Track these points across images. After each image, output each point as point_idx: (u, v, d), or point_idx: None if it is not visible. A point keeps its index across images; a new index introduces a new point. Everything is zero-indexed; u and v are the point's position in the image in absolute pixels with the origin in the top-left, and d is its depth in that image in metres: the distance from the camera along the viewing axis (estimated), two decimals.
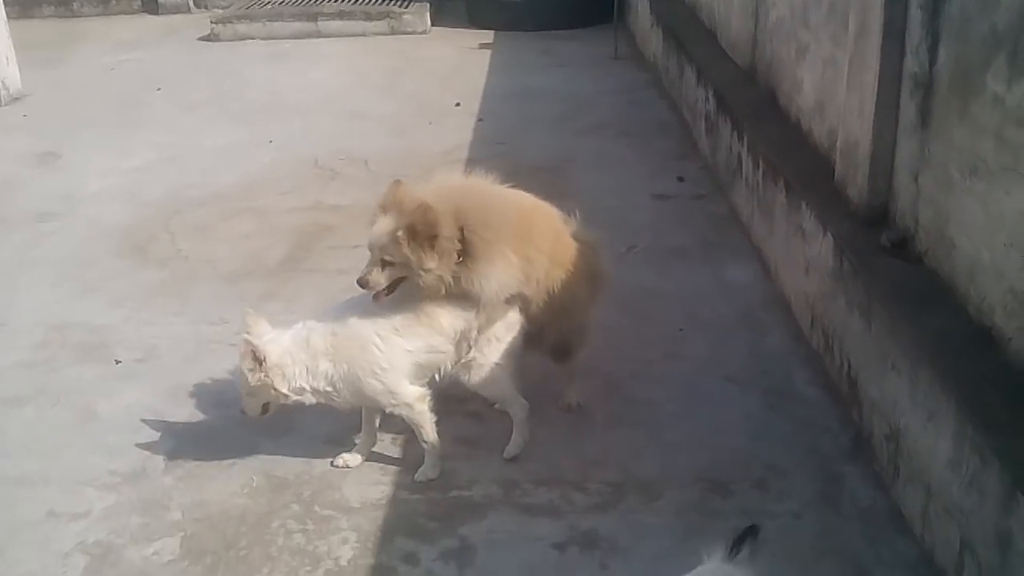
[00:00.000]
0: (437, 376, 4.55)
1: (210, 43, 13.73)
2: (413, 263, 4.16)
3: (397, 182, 4.37)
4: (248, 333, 4.28)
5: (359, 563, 4.06)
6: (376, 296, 4.30)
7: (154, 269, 6.79)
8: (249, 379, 4.27)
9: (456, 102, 10.31)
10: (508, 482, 4.51)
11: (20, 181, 8.57)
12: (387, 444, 4.81)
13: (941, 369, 3.83)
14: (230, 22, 13.86)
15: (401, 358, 4.34)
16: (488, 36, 13.23)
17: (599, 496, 4.40)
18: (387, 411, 4.52)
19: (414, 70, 11.91)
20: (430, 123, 9.73)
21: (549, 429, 4.84)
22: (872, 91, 4.84)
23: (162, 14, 15.77)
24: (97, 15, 15.94)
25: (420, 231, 4.12)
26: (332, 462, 4.64)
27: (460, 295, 4.35)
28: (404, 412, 4.46)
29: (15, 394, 5.34)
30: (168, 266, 6.83)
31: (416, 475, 4.55)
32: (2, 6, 10.95)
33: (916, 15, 4.52)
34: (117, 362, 5.62)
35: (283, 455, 4.74)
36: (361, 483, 4.54)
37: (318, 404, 4.44)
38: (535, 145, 8.96)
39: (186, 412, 5.11)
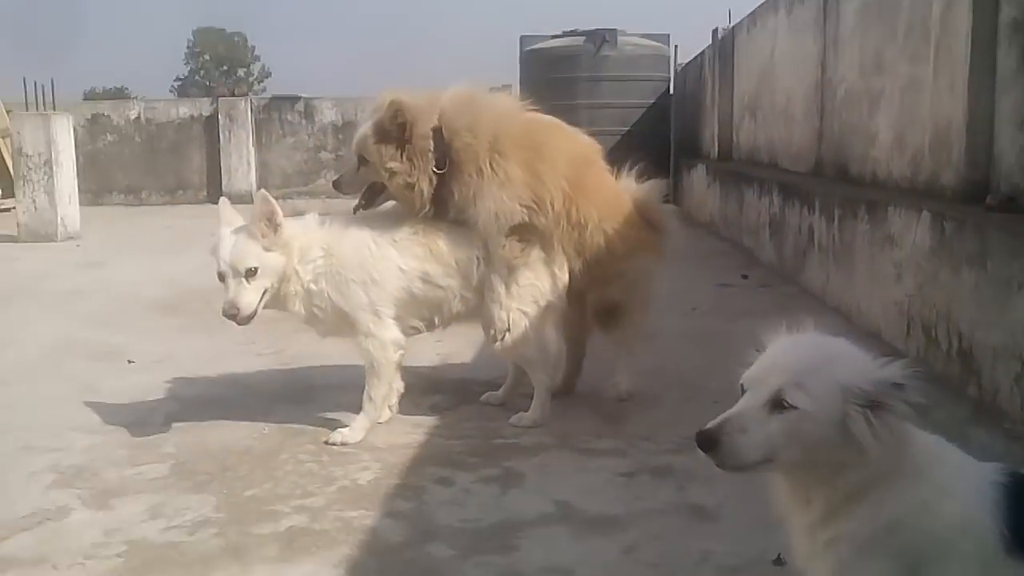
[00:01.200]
0: (438, 319, 3.92)
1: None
2: (377, 162, 3.70)
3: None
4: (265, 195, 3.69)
5: (381, 483, 3.35)
6: (355, 208, 3.92)
7: (183, 316, 6.37)
8: (260, 244, 3.56)
9: None
10: (563, 434, 3.81)
11: (64, 275, 8.36)
12: (422, 411, 4.14)
13: None
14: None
15: (392, 275, 3.74)
16: None
17: (671, 444, 3.68)
18: (358, 344, 3.81)
19: None
20: None
21: (610, 401, 4.17)
22: (964, 59, 4.53)
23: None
24: (164, 203, 16.42)
25: (387, 128, 3.69)
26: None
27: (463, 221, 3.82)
28: (371, 349, 3.75)
29: (4, 377, 4.82)
30: (200, 315, 6.37)
31: (331, 435, 3.75)
32: (73, 148, 11.29)
33: None
34: (129, 362, 5.10)
35: (302, 415, 4.09)
36: (390, 432, 3.86)
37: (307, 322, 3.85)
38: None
39: (198, 389, 4.52)
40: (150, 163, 16.69)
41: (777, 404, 1.77)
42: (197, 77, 68.41)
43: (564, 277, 3.95)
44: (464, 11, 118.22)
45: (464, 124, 3.75)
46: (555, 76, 13.77)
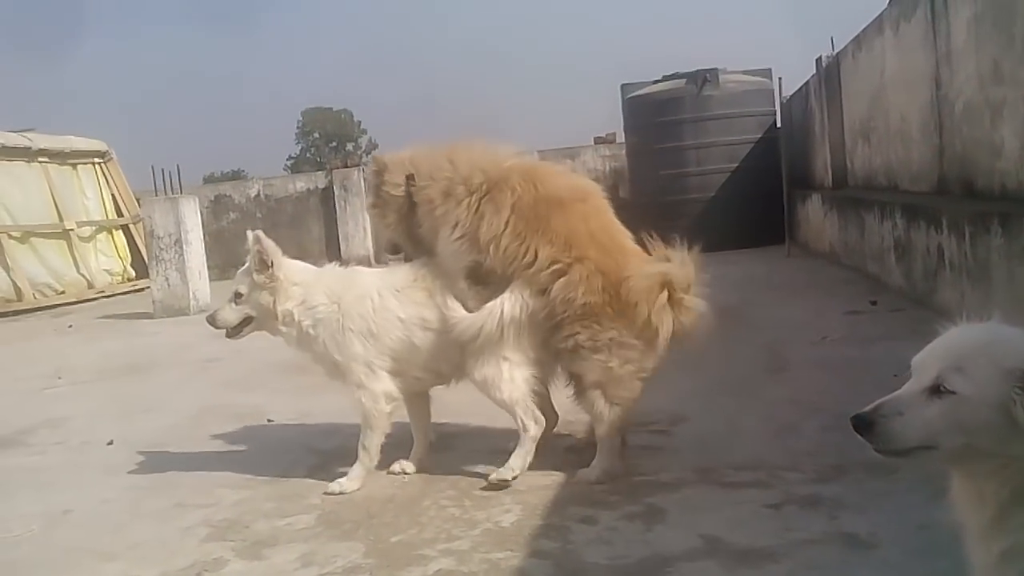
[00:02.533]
0: (446, 367, 3.94)
1: None
2: (368, 211, 4.06)
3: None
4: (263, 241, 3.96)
5: (524, 524, 3.35)
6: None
7: (315, 376, 6.39)
8: (254, 278, 3.92)
9: None
10: (702, 468, 3.75)
11: (200, 345, 8.66)
12: (559, 452, 4.14)
13: None
14: None
15: (391, 326, 3.85)
16: None
17: (816, 473, 3.58)
18: (352, 394, 3.96)
19: None
20: None
21: (745, 428, 4.10)
22: None
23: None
24: None
25: (372, 181, 4.13)
26: (389, 469, 4.05)
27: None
28: (363, 400, 3.88)
29: (157, 440, 5.02)
30: None
31: (330, 486, 3.88)
32: (200, 227, 11.83)
33: None
34: (269, 420, 5.26)
35: (440, 462, 4.14)
36: (527, 474, 3.85)
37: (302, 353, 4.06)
38: (709, 301, 8.52)
39: (335, 442, 4.63)
40: (271, 236, 17.07)
41: (936, 389, 1.74)
42: (308, 155, 70.86)
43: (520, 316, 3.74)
44: (564, 64, 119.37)
45: (426, 172, 3.93)
46: (660, 120, 13.81)
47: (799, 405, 4.50)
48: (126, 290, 15.75)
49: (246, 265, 3.99)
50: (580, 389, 3.78)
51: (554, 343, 3.76)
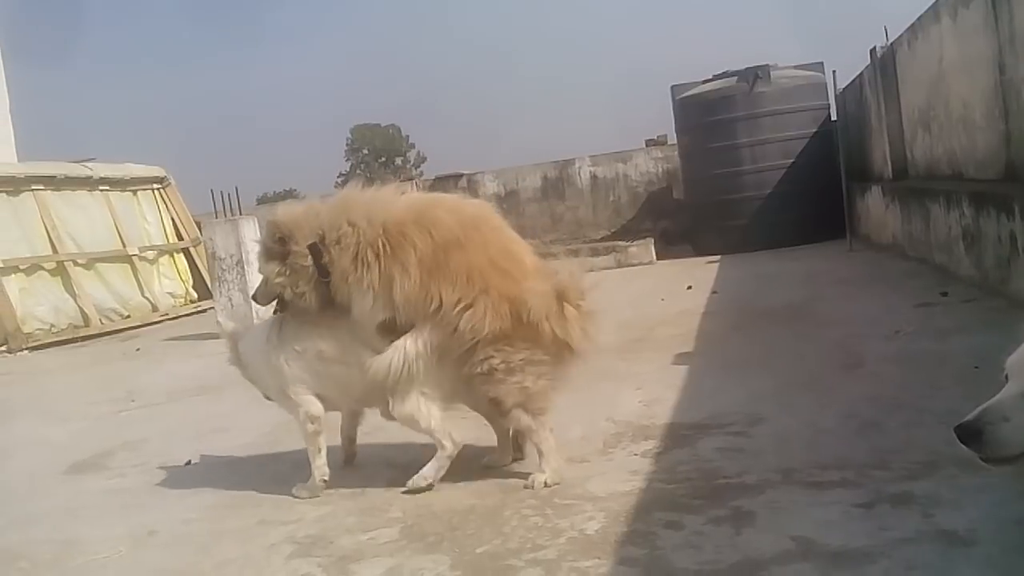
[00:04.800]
0: (349, 398, 4.29)
1: None
2: (269, 278, 4.08)
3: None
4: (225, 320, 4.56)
5: (609, 531, 3.31)
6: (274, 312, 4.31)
7: None
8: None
9: (688, 285, 10.00)
10: (786, 469, 3.69)
11: None
12: (636, 457, 4.11)
13: None
14: None
15: (292, 358, 4.12)
16: (715, 258, 13.08)
17: (905, 470, 3.50)
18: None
19: (642, 278, 11.85)
20: (663, 299, 9.41)
21: (826, 427, 4.03)
22: None
23: None
24: None
25: (269, 247, 4.06)
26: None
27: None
28: (301, 424, 4.22)
29: (234, 459, 5.11)
30: None
31: (294, 489, 4.26)
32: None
33: None
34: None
35: (517, 471, 4.14)
36: (607, 481, 3.84)
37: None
38: (774, 298, 8.44)
39: (412, 455, 4.54)
40: None
41: None
42: (358, 171, 71.37)
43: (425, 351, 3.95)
44: (613, 66, 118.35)
45: (334, 238, 3.99)
46: (712, 119, 13.72)
47: (879, 401, 4.41)
48: (189, 312, 15.97)
49: None
50: (503, 411, 3.96)
51: (468, 369, 3.93)
